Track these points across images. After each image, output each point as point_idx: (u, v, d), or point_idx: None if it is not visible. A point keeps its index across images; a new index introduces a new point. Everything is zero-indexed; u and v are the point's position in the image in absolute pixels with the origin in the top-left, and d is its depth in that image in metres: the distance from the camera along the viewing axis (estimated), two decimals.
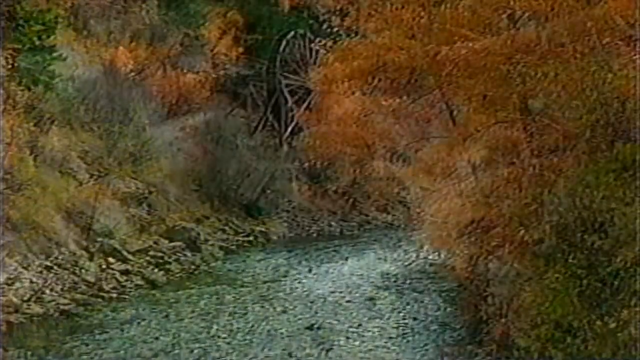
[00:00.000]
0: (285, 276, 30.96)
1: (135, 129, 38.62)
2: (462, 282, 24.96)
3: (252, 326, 22.66)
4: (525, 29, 19.77)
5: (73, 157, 34.58)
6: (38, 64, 32.95)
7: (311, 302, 26.02)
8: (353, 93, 29.62)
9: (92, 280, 27.11)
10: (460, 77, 20.37)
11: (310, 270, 32.28)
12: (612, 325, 14.60)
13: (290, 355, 19.84)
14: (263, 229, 42.81)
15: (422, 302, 25.86)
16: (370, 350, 20.17)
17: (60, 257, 27.56)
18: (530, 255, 16.17)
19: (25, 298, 23.59)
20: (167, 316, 23.84)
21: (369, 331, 22.07)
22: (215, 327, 22.54)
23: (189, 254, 33.94)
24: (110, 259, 29.51)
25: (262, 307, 25.31)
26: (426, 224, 25.97)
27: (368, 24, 22.72)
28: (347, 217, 49.99)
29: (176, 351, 20.23)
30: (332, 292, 27.67)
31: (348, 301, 26.18)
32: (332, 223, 48.26)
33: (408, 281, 29.47)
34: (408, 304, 25.71)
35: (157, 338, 21.10)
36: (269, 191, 45.26)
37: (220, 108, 50.40)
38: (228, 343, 20.80)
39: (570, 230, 15.34)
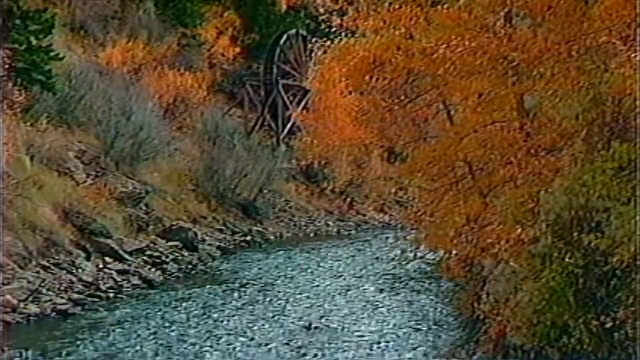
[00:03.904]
0: (282, 276, 30.96)
1: (132, 128, 38.61)
2: (458, 281, 24.98)
3: (249, 327, 22.64)
4: (522, 28, 19.80)
5: (70, 156, 34.59)
6: (35, 64, 32.95)
7: (308, 302, 26.03)
8: (350, 93, 29.68)
9: (89, 280, 27.10)
10: (457, 77, 20.39)
11: (307, 270, 32.30)
12: (609, 324, 14.62)
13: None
14: (260, 229, 42.84)
15: (419, 301, 25.87)
16: (367, 349, 20.16)
17: (57, 257, 27.55)
18: (526, 254, 16.18)
19: (22, 298, 23.55)
20: (161, 318, 23.76)
21: (366, 331, 22.06)
22: (208, 329, 22.50)
23: (186, 253, 33.95)
24: (107, 259, 29.51)
25: (260, 306, 25.31)
26: (423, 224, 25.96)
27: (365, 23, 22.73)
28: (344, 216, 50.07)
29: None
30: (329, 292, 27.68)
31: (345, 301, 26.18)
32: (329, 223, 48.29)
33: (405, 280, 29.49)
34: (405, 303, 25.71)
35: (138, 344, 20.90)
36: (266, 191, 45.30)
37: (217, 108, 50.48)
38: (221, 346, 20.75)
39: (567, 229, 15.36)
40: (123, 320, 23.22)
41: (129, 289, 27.57)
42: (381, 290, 27.83)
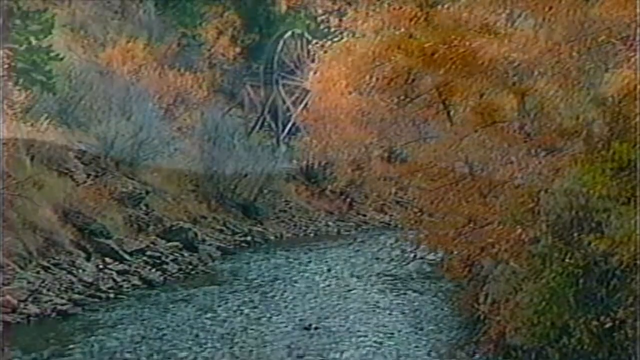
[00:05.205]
0: (282, 276, 30.94)
1: (132, 128, 38.59)
2: (459, 282, 24.97)
3: (249, 327, 22.64)
4: (522, 28, 19.81)
5: (70, 156, 34.56)
6: (35, 64, 32.93)
7: (308, 302, 26.02)
8: (350, 93, 29.64)
9: (89, 280, 27.09)
10: (457, 77, 20.39)
11: (307, 270, 32.29)
12: (609, 324, 14.61)
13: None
14: (260, 229, 42.80)
15: (419, 301, 25.87)
16: (367, 350, 20.15)
17: (57, 257, 27.54)
18: (526, 254, 16.18)
19: (22, 298, 23.54)
20: (161, 318, 23.74)
21: (366, 331, 22.05)
22: (208, 329, 22.49)
23: (186, 254, 33.91)
24: (107, 259, 29.49)
25: (260, 307, 25.30)
26: (423, 224, 25.96)
27: (365, 23, 22.73)
28: (345, 217, 50.01)
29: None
30: (329, 292, 27.68)
31: (345, 301, 26.17)
32: (330, 223, 48.25)
33: (405, 281, 29.48)
34: (405, 303, 25.70)
35: (138, 345, 20.85)
36: (266, 191, 45.26)
37: (218, 108, 50.40)
38: (220, 346, 20.75)
39: (567, 229, 15.35)
40: (123, 320, 23.22)
41: (129, 290, 27.56)
42: (381, 290, 27.81)
